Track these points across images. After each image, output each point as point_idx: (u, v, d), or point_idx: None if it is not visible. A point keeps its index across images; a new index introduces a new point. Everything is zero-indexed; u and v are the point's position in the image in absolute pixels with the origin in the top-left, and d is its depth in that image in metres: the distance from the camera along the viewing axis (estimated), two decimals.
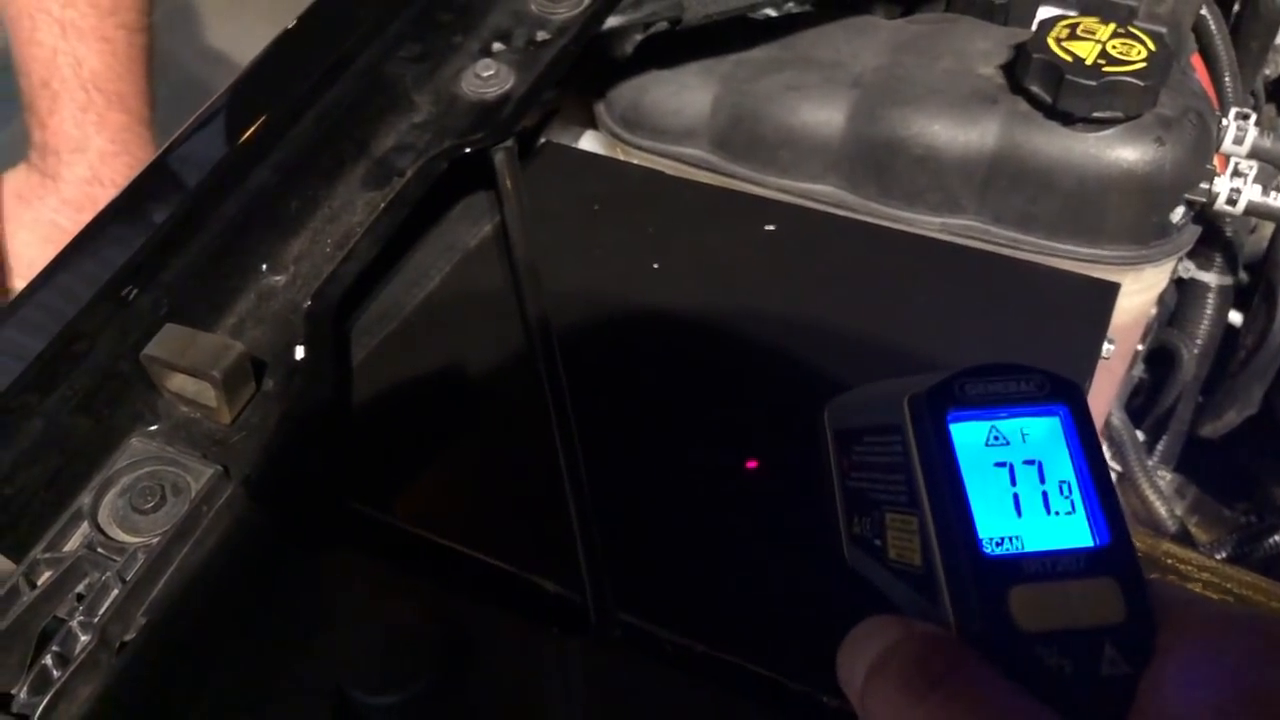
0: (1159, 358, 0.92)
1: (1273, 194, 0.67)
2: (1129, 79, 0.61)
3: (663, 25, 0.68)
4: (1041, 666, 0.26)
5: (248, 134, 0.55)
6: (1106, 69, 0.61)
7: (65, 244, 0.50)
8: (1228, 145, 0.71)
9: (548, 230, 0.60)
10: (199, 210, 0.52)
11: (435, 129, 0.60)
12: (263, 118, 0.56)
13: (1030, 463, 0.29)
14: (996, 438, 0.29)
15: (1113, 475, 0.82)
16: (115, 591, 0.42)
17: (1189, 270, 0.89)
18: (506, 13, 0.66)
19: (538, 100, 0.63)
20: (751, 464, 0.49)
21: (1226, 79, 0.81)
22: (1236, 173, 0.66)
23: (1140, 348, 0.84)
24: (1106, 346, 0.55)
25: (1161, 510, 0.82)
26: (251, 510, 0.46)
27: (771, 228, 0.61)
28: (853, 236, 0.62)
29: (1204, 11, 0.80)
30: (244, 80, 0.58)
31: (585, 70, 0.73)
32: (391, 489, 0.50)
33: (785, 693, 0.42)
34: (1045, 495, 0.28)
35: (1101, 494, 0.28)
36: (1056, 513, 0.28)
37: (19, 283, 0.84)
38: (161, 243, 0.50)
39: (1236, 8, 0.88)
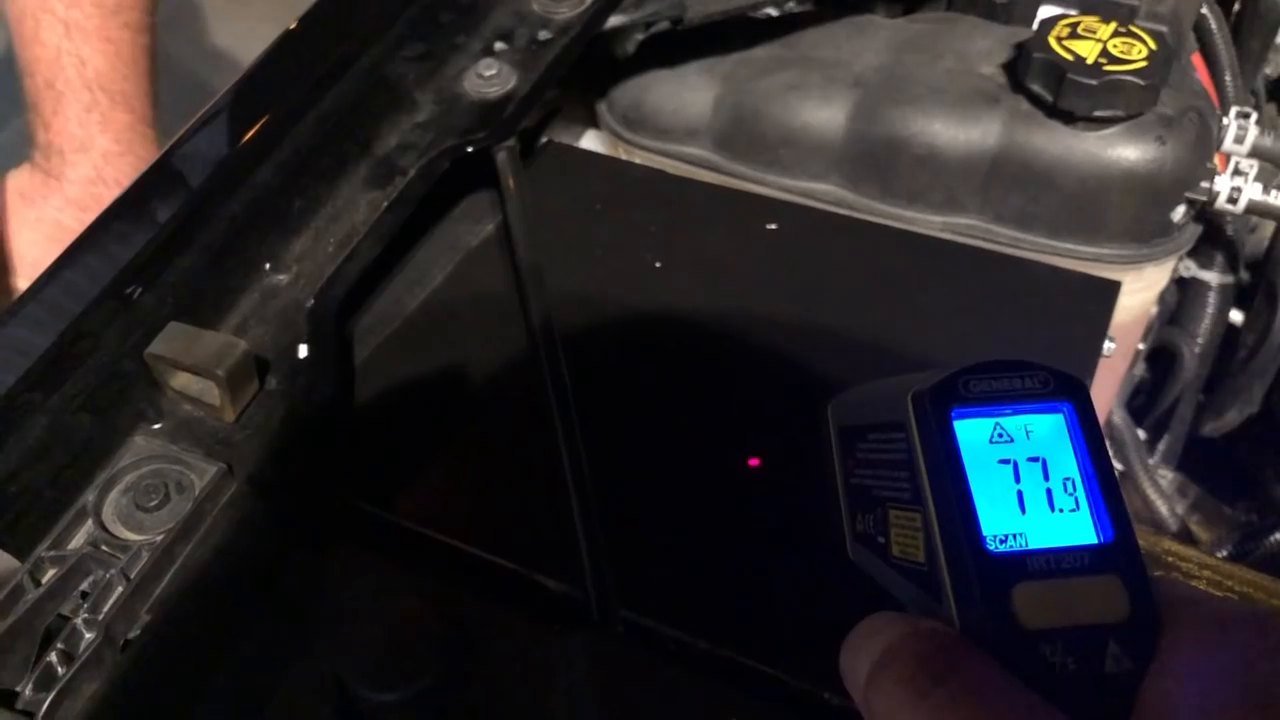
0: (1160, 357, 0.92)
1: (1273, 192, 0.67)
2: (1130, 78, 0.61)
3: (664, 25, 0.68)
4: (1045, 664, 0.26)
5: (251, 133, 0.55)
6: (1107, 68, 0.61)
7: (69, 243, 0.50)
8: (1228, 144, 0.71)
9: (550, 229, 0.60)
10: (202, 209, 0.52)
11: (438, 128, 0.60)
12: (265, 117, 0.56)
13: (1034, 460, 0.29)
14: (1000, 434, 0.29)
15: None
16: (119, 589, 0.42)
17: (1190, 269, 0.89)
18: (508, 12, 0.66)
19: (540, 99, 0.63)
20: (753, 461, 0.49)
21: (1227, 78, 0.81)
22: (1237, 171, 0.66)
23: (1141, 346, 0.84)
24: (1107, 345, 0.55)
25: (1163, 509, 0.82)
26: (255, 508, 0.46)
27: (773, 227, 0.62)
28: (854, 235, 0.62)
29: (1204, 10, 0.80)
30: (247, 80, 0.58)
31: (587, 70, 0.73)
32: (395, 486, 0.50)
33: (787, 689, 0.42)
34: (1049, 492, 0.28)
35: (1106, 491, 0.28)
36: (1060, 510, 0.28)
37: (22, 282, 0.84)
38: (165, 241, 0.50)
39: (1237, 7, 0.88)
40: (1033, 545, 0.27)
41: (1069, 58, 0.62)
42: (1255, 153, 0.71)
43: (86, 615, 0.41)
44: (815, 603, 0.44)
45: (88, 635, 0.41)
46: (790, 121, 0.69)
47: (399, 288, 0.59)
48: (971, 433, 0.28)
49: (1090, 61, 0.61)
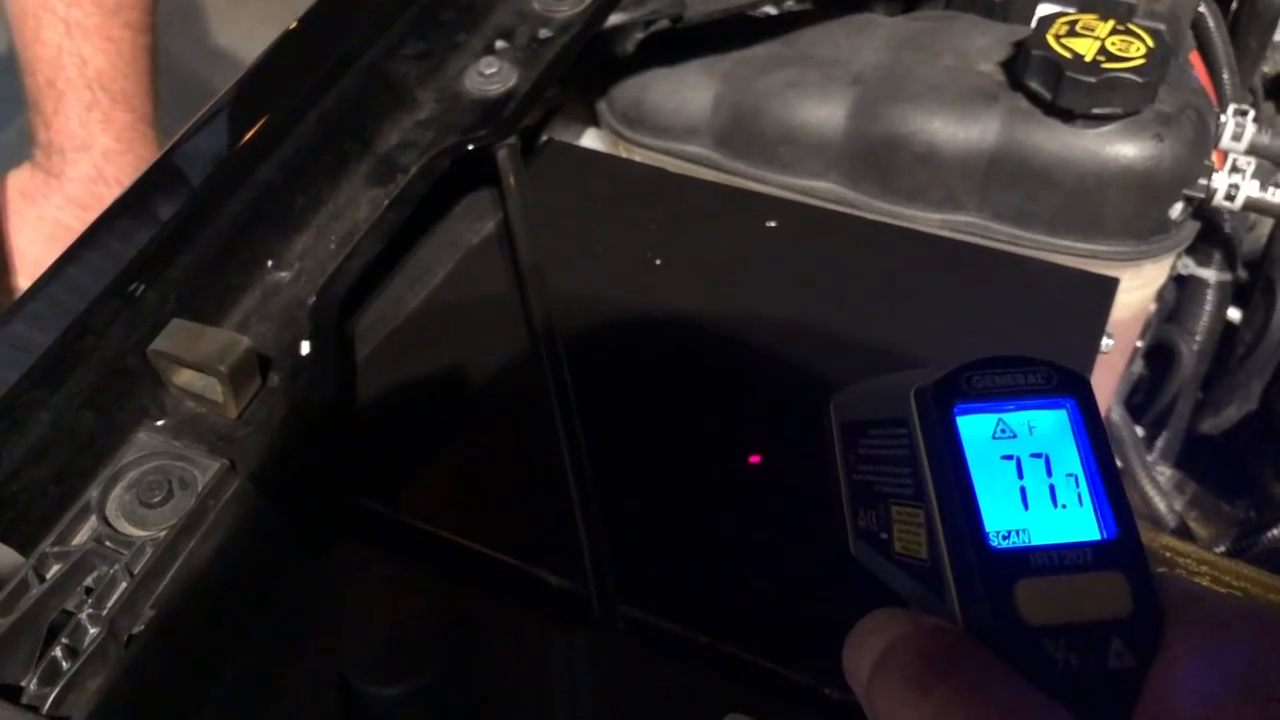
0: (1158, 354, 0.92)
1: (1271, 189, 0.67)
2: (1128, 75, 0.61)
3: (664, 23, 0.69)
4: (1048, 660, 0.26)
5: (252, 131, 0.55)
6: (1106, 65, 0.61)
7: (69, 242, 0.51)
8: (1226, 141, 0.71)
9: (550, 227, 0.61)
10: (205, 207, 0.52)
11: (438, 126, 0.60)
12: (267, 115, 0.56)
13: (1037, 455, 0.28)
14: (1003, 430, 0.29)
15: None
16: (123, 584, 0.43)
17: (1188, 267, 0.89)
18: (509, 11, 0.66)
19: (540, 98, 0.64)
20: (755, 459, 0.49)
21: (1225, 75, 0.81)
22: (1235, 169, 0.66)
23: (1140, 344, 0.84)
24: (1105, 341, 0.55)
25: (1161, 505, 0.82)
26: (258, 504, 0.46)
27: (773, 224, 0.62)
28: (853, 233, 0.63)
29: (1202, 9, 0.80)
30: (248, 78, 0.58)
31: (587, 68, 0.73)
32: (397, 483, 0.50)
33: (787, 684, 0.43)
34: (1052, 488, 0.28)
35: (1109, 487, 0.28)
36: (1063, 506, 0.28)
37: (23, 281, 0.84)
38: (168, 239, 0.51)
39: (1235, 5, 0.88)
40: (1036, 541, 0.27)
41: (1067, 55, 0.62)
42: (1253, 150, 0.71)
43: (90, 611, 0.42)
44: (815, 598, 0.44)
45: (92, 630, 0.41)
46: (790, 119, 0.69)
47: (400, 285, 0.59)
48: (974, 428, 0.28)
49: (1088, 59, 0.62)
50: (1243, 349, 0.91)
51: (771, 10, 0.72)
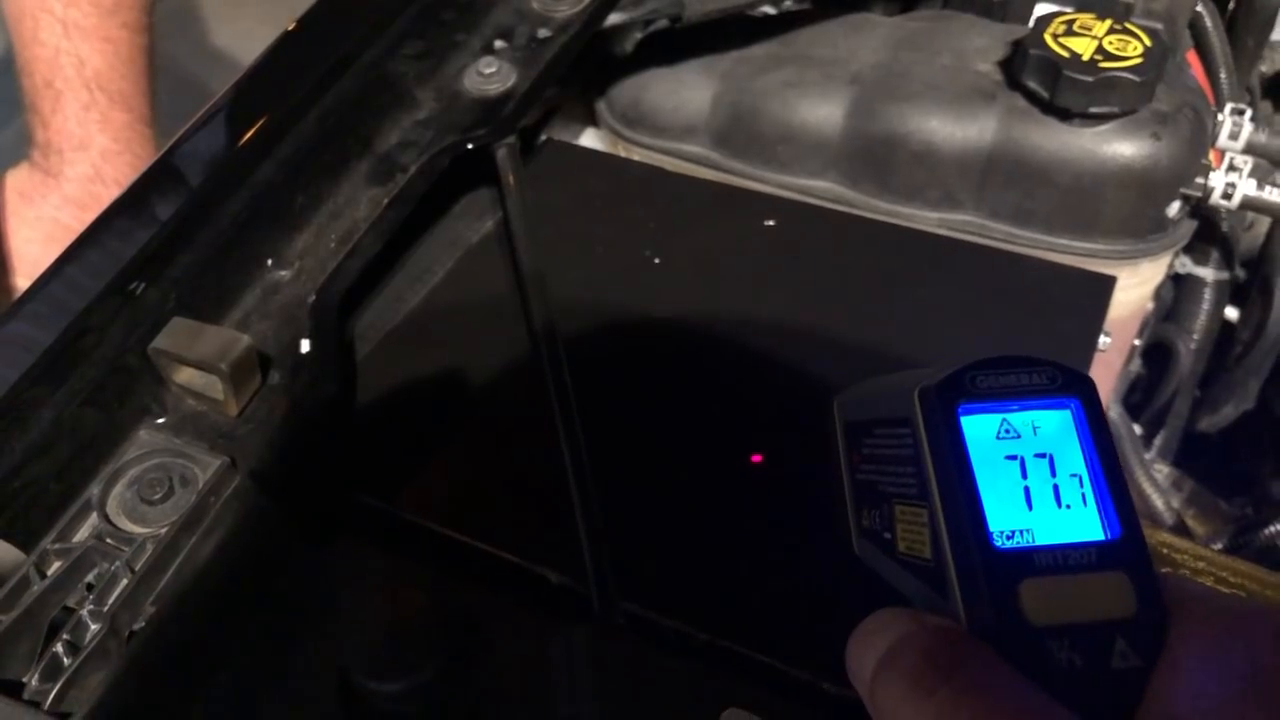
0: (1156, 353, 0.92)
1: (1268, 188, 0.67)
2: (1125, 74, 0.61)
3: (663, 23, 0.69)
4: (1052, 660, 0.26)
5: (252, 131, 0.55)
6: (1103, 65, 0.61)
7: (67, 241, 0.51)
8: (1223, 140, 0.71)
9: (549, 226, 0.61)
10: (205, 206, 0.53)
11: (438, 126, 0.61)
12: (267, 115, 0.56)
13: (1041, 456, 0.28)
14: (1007, 430, 0.29)
15: None
16: (124, 581, 0.43)
17: (1186, 266, 0.90)
18: (508, 10, 0.66)
19: (539, 97, 0.64)
20: (756, 458, 0.50)
21: (1222, 75, 0.82)
22: (1232, 167, 0.66)
23: (1137, 342, 0.84)
24: (1103, 339, 0.56)
25: (1159, 503, 0.83)
26: (258, 501, 0.46)
27: (771, 223, 0.62)
28: (852, 232, 0.63)
29: (1200, 8, 0.80)
30: (249, 78, 0.59)
31: (586, 68, 0.73)
32: (397, 480, 0.50)
33: (786, 680, 0.43)
34: (1056, 488, 0.28)
35: (1113, 487, 0.28)
36: (1068, 506, 0.28)
37: (21, 280, 0.84)
38: (168, 238, 0.51)
39: (1232, 4, 0.89)
40: (1040, 541, 0.27)
41: (1065, 54, 0.62)
42: (1250, 149, 0.71)
43: (92, 607, 0.42)
44: (814, 594, 0.44)
45: (93, 626, 0.41)
46: (788, 119, 0.69)
47: (400, 284, 0.59)
48: (978, 428, 0.28)
49: (1086, 58, 0.62)
50: (1240, 347, 0.91)
51: (770, 10, 0.72)
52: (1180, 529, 0.82)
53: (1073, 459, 0.29)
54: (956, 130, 0.65)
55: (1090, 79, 0.61)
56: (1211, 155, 0.69)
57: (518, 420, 0.53)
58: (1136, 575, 0.27)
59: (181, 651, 0.43)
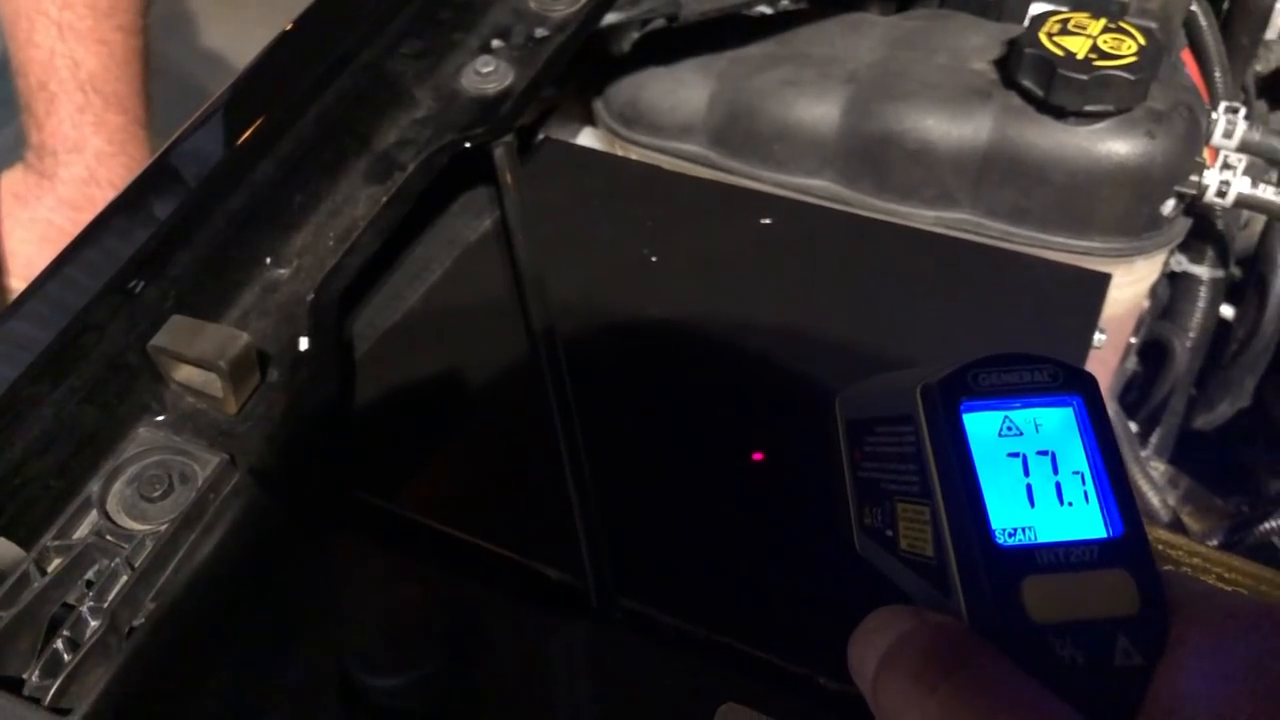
0: (1152, 351, 0.93)
1: (1262, 186, 0.67)
2: (1120, 73, 0.61)
3: (660, 22, 0.69)
4: (1054, 658, 0.26)
5: (251, 130, 0.56)
6: (1098, 63, 0.62)
7: (61, 243, 0.51)
8: (1217, 139, 0.71)
9: (547, 224, 0.61)
10: (204, 204, 0.53)
11: (436, 124, 0.61)
12: (266, 114, 0.56)
13: (1044, 453, 0.28)
14: (1010, 428, 0.28)
15: None
16: (124, 578, 0.43)
17: (1181, 264, 0.90)
18: (506, 10, 0.66)
19: (537, 96, 0.64)
20: (757, 456, 0.50)
21: (1217, 74, 0.82)
22: (1226, 165, 0.67)
23: (1133, 340, 0.84)
24: (1098, 336, 0.56)
25: (1154, 500, 0.83)
26: (257, 498, 0.46)
27: (767, 221, 0.62)
28: (848, 230, 0.63)
29: (1194, 7, 0.80)
30: (247, 77, 0.59)
31: (584, 67, 0.73)
32: (396, 477, 0.50)
33: (783, 674, 0.43)
34: (1059, 486, 0.28)
35: (1115, 485, 0.28)
36: (1070, 503, 0.28)
37: (15, 281, 0.84)
38: (167, 236, 0.51)
39: (1226, 4, 0.89)
40: (1042, 539, 0.27)
41: (1060, 53, 0.62)
42: (1244, 147, 0.72)
43: (92, 603, 0.42)
44: (810, 590, 0.45)
45: (93, 623, 0.41)
46: (785, 118, 0.69)
47: (399, 282, 0.59)
48: (980, 426, 0.28)
49: (1081, 57, 0.62)
50: (1235, 345, 0.92)
51: (766, 9, 0.72)
52: (1176, 526, 0.82)
53: (1075, 456, 0.28)
54: (952, 129, 0.66)
55: (1085, 77, 0.61)
56: (1206, 153, 0.69)
57: (516, 417, 0.53)
58: (1139, 573, 0.27)
59: (181, 647, 0.43)
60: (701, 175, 0.72)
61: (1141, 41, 0.63)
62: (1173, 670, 0.26)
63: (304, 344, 0.51)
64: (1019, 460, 0.28)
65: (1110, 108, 0.63)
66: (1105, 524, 0.28)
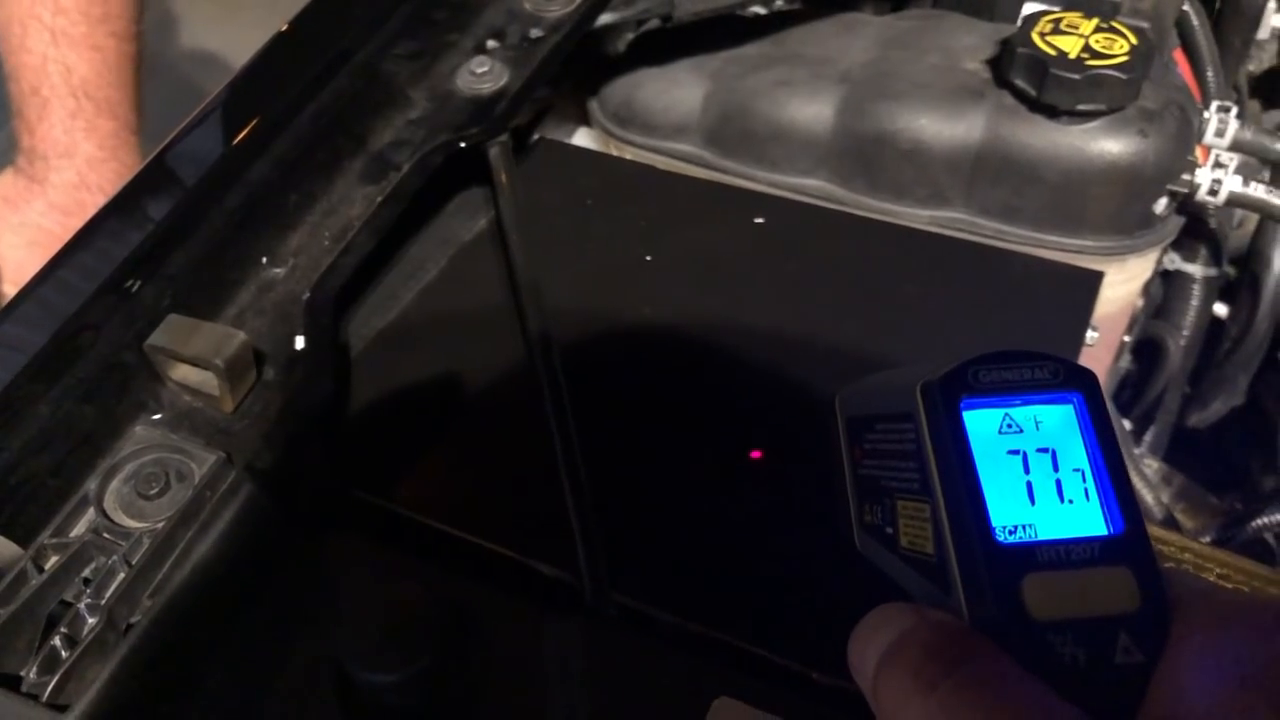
0: (1146, 349, 0.93)
1: (1253, 185, 0.68)
2: (1112, 72, 0.62)
3: (654, 22, 0.69)
4: (1055, 655, 0.26)
5: (247, 130, 0.56)
6: (1090, 63, 0.62)
7: (51, 248, 0.51)
8: (1209, 138, 0.72)
9: (542, 224, 0.61)
10: (200, 204, 0.53)
11: (431, 124, 0.61)
12: (261, 114, 0.56)
13: (1044, 450, 0.28)
14: (1010, 425, 0.29)
15: None
16: (121, 575, 0.43)
17: (1174, 263, 0.90)
18: (500, 10, 0.67)
19: (532, 96, 0.64)
20: (756, 454, 0.50)
21: (1209, 73, 0.82)
22: (1218, 164, 0.67)
23: (1127, 339, 0.85)
24: (1091, 334, 0.56)
25: (1149, 498, 0.83)
26: (254, 495, 0.47)
27: (761, 221, 0.62)
28: (842, 229, 0.63)
29: (1186, 7, 0.81)
30: (243, 77, 0.59)
31: (578, 67, 0.74)
32: (391, 475, 0.51)
33: (777, 670, 0.43)
34: (1059, 483, 0.28)
35: (1116, 482, 0.28)
36: (1070, 501, 0.28)
37: (7, 286, 0.84)
38: (164, 236, 0.51)
39: (1218, 3, 0.90)
40: (1042, 536, 0.27)
41: (1052, 53, 0.63)
42: (1236, 146, 0.72)
43: (89, 601, 0.42)
44: (806, 586, 0.45)
45: (90, 620, 0.42)
46: (778, 117, 0.70)
47: (394, 281, 0.59)
48: (980, 423, 0.28)
49: (1073, 56, 0.62)
50: (1229, 344, 0.92)
51: (760, 10, 0.73)
52: (1170, 523, 0.82)
53: (1075, 454, 0.28)
54: (945, 128, 0.66)
55: (1077, 77, 0.62)
56: (1198, 152, 0.69)
57: (511, 415, 0.53)
58: (1139, 570, 0.27)
59: (178, 644, 0.43)
60: (696, 175, 0.72)
61: (1133, 41, 0.63)
62: (1174, 667, 0.26)
63: (300, 343, 0.51)
64: (1019, 457, 0.28)
65: (1102, 107, 0.63)
66: (1106, 521, 0.28)
